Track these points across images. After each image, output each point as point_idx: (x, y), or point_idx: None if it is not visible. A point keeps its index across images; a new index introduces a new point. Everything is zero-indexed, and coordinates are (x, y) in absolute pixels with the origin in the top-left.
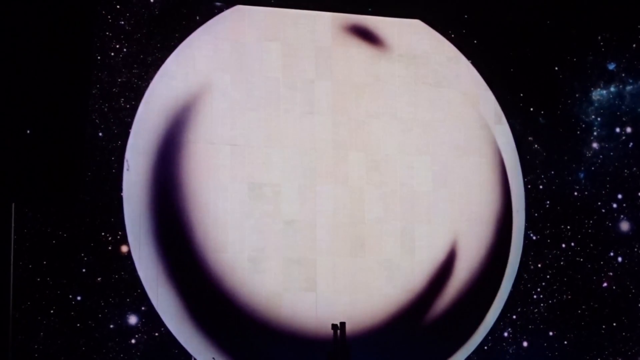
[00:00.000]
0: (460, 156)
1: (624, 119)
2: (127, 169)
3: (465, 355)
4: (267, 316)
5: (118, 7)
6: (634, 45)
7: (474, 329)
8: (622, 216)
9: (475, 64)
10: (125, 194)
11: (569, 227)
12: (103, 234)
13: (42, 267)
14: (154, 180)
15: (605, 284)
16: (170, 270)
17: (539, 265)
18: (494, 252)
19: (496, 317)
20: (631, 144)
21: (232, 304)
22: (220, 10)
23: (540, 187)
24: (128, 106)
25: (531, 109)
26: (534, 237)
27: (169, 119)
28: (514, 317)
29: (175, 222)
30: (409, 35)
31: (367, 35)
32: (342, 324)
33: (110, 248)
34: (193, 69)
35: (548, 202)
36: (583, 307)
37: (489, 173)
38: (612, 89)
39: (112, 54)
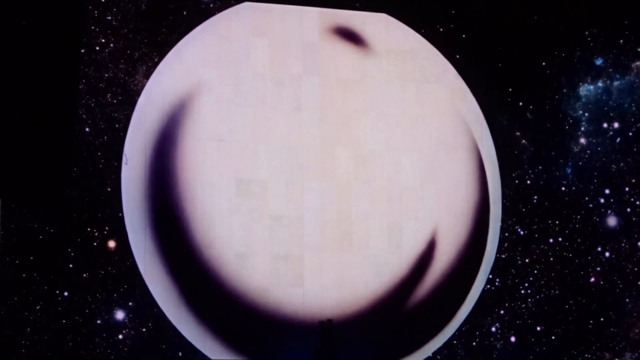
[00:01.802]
0: (447, 152)
1: (611, 114)
2: (126, 163)
3: (444, 341)
4: (256, 309)
5: (105, 2)
6: (621, 41)
7: (452, 315)
8: (609, 211)
9: (463, 59)
10: (124, 186)
11: (556, 222)
12: (90, 229)
13: (29, 262)
14: (150, 174)
15: (592, 279)
16: (166, 260)
17: (527, 261)
18: (472, 241)
19: (474, 303)
20: (618, 139)
21: (224, 293)
22: (208, 6)
23: (528, 182)
24: (115, 101)
25: (520, 104)
26: (522, 232)
27: (162, 115)
28: (502, 312)
29: (170, 216)
30: (395, 31)
31: (352, 37)
32: (329, 321)
33: (97, 244)
34: (180, 65)
35: (536, 197)
36: (571, 302)
37: (474, 168)
38: (599, 84)
39: (99, 49)
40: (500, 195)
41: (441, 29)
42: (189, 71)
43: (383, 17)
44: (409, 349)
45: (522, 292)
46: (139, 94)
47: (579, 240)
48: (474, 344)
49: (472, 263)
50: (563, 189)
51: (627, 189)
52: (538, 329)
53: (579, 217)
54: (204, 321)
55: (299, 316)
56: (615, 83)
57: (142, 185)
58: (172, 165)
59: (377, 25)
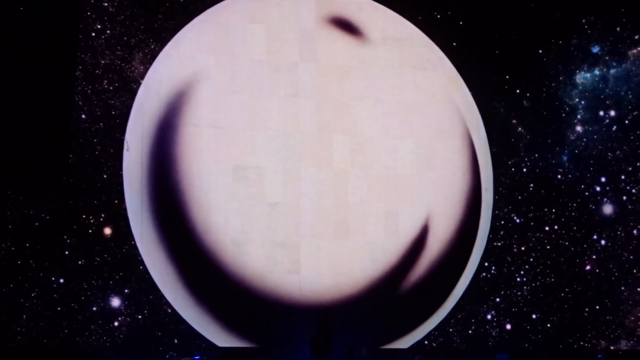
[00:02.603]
0: (443, 139)
1: (607, 102)
2: (127, 149)
3: (438, 322)
4: (253, 294)
5: None
6: (618, 29)
7: (445, 298)
8: (605, 199)
9: (460, 47)
10: (126, 172)
11: (552, 210)
12: (86, 216)
13: (25, 249)
14: (149, 161)
15: (588, 267)
16: (167, 243)
17: (523, 248)
18: (464, 227)
19: (465, 288)
20: (615, 127)
21: (222, 278)
22: None
23: (524, 170)
24: (111, 88)
25: (516, 92)
26: (518, 220)
27: (161, 103)
28: (498, 300)
29: (169, 201)
30: (392, 18)
31: (348, 26)
32: (326, 309)
33: (93, 230)
34: (178, 53)
35: (532, 185)
36: (566, 290)
37: (467, 155)
38: (596, 72)
39: (95, 35)
40: (492, 183)
41: (438, 16)
42: (187, 59)
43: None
44: (402, 331)
45: (518, 279)
46: (135, 81)
47: (574, 228)
48: (470, 331)
49: (464, 248)
50: (559, 176)
51: (623, 177)
52: (534, 316)
53: (574, 205)
54: (203, 304)
55: (295, 302)
56: (612, 71)
57: (141, 171)
58: (170, 152)
59: (374, 13)
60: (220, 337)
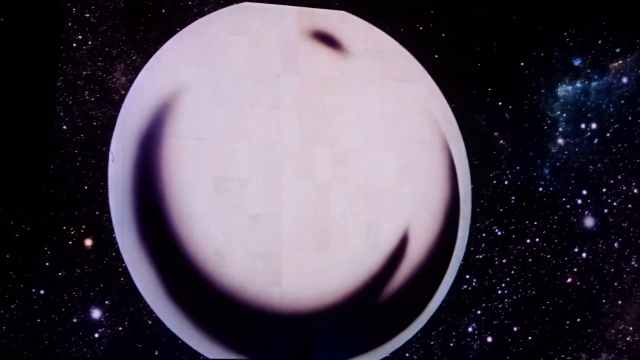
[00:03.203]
0: (425, 151)
1: (589, 115)
2: (112, 160)
3: (415, 332)
4: (235, 305)
5: None
6: (600, 42)
7: (423, 307)
8: (586, 212)
9: (442, 59)
10: (110, 183)
11: (534, 222)
12: (66, 227)
13: (5, 260)
14: (134, 172)
15: (569, 280)
16: (150, 254)
17: (504, 261)
18: (443, 239)
19: (443, 297)
20: (596, 140)
21: (205, 289)
22: (187, 3)
23: (506, 182)
24: (93, 99)
25: (498, 104)
26: (499, 233)
27: (145, 114)
28: (479, 312)
29: (152, 213)
30: (375, 30)
31: (329, 40)
32: (307, 321)
33: (73, 242)
34: (160, 64)
35: (513, 197)
36: (547, 302)
37: (447, 166)
38: (577, 85)
39: (77, 46)
40: (470, 194)
41: (420, 28)
42: (169, 69)
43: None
44: (382, 340)
45: (499, 292)
46: (117, 92)
47: (556, 240)
48: (451, 344)
49: (443, 258)
50: (540, 189)
51: (604, 189)
52: (515, 329)
53: (556, 217)
54: (186, 313)
55: (276, 313)
56: (594, 84)
57: (123, 182)
58: (153, 163)
59: (356, 25)
60: (202, 345)
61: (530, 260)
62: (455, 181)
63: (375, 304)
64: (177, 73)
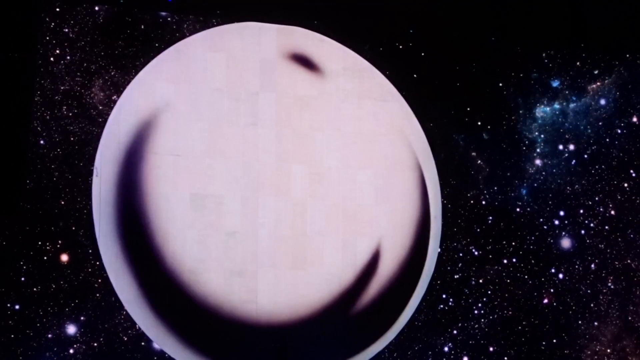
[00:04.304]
0: (401, 170)
1: (567, 136)
2: (97, 175)
3: (386, 343)
4: (211, 322)
5: (61, 14)
6: (578, 63)
7: (394, 320)
8: (563, 233)
9: (420, 78)
10: (95, 197)
11: (511, 243)
12: (42, 242)
13: None
14: (114, 187)
15: (546, 301)
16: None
17: (481, 281)
18: (414, 254)
19: (414, 310)
20: (574, 161)
21: (182, 301)
22: (165, 20)
23: (483, 202)
24: (70, 114)
25: (476, 124)
26: (476, 253)
27: (124, 130)
28: (455, 332)
29: (133, 228)
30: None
31: (306, 62)
32: (283, 344)
33: (49, 257)
34: (136, 80)
35: (490, 217)
36: (524, 323)
37: (420, 185)
38: (556, 106)
39: (55, 61)
40: (441, 212)
41: (400, 47)
42: (148, 87)
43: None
44: (353, 352)
45: (476, 312)
46: (95, 108)
47: (533, 261)
48: None
49: (413, 276)
50: (518, 209)
51: (581, 211)
52: (491, 349)
53: (533, 238)
54: (166, 325)
55: (252, 329)
56: (572, 105)
57: (99, 196)
58: (134, 179)
59: (334, 45)
60: (182, 355)
61: (507, 280)
62: (426, 199)
63: (347, 317)
64: (156, 90)
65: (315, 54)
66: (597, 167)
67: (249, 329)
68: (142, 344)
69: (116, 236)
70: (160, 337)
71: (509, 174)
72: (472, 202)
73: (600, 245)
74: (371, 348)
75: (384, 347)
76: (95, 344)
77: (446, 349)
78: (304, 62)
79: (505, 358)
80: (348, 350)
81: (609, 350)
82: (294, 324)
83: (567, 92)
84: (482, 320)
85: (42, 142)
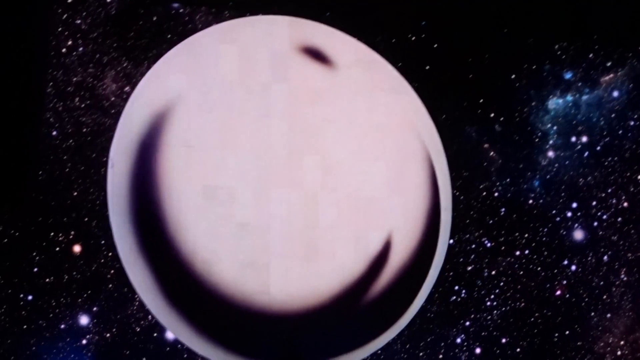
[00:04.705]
0: (413, 162)
1: (579, 128)
2: (112, 167)
3: (397, 332)
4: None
5: (73, 5)
6: (591, 55)
7: (404, 310)
8: (576, 225)
9: (433, 70)
10: (109, 189)
11: (523, 234)
12: (55, 233)
13: None
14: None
15: (558, 292)
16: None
17: (493, 273)
18: (425, 244)
19: (424, 301)
20: (586, 153)
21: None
22: (177, 12)
23: (496, 194)
24: (83, 105)
25: (488, 116)
26: (488, 244)
27: (138, 121)
28: (467, 323)
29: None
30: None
31: (318, 55)
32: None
33: (62, 248)
34: (150, 73)
35: (503, 209)
36: (536, 314)
37: (431, 176)
38: (568, 98)
39: (67, 52)
40: (451, 203)
41: (413, 39)
42: (160, 79)
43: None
44: (364, 341)
45: (488, 303)
46: (107, 99)
47: (545, 253)
48: (440, 355)
49: (423, 266)
50: (530, 201)
51: (594, 203)
52: (503, 340)
53: (545, 230)
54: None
55: (264, 322)
56: (584, 97)
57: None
58: (147, 171)
59: (347, 37)
60: (196, 343)
61: (519, 272)
62: (436, 191)
63: (358, 307)
64: (169, 82)
65: (326, 46)
66: (609, 159)
67: (261, 319)
68: (155, 334)
69: (130, 227)
70: (174, 326)
71: (521, 165)
72: (484, 193)
73: (613, 237)
74: (381, 337)
75: (396, 339)
76: (108, 335)
77: (458, 340)
78: (316, 54)
79: (518, 350)
80: (359, 339)
81: (622, 343)
82: (305, 314)
83: (579, 84)
84: (495, 311)
85: (54, 133)
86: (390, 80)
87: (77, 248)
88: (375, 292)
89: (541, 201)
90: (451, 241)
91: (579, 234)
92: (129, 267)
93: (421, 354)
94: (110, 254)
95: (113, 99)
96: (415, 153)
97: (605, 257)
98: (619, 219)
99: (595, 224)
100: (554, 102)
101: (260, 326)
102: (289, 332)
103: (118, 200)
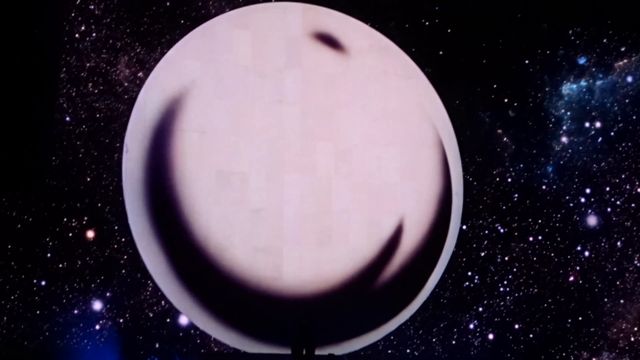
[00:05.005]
0: (426, 147)
1: (593, 113)
2: (127, 152)
3: (411, 314)
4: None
5: None
6: (605, 41)
7: (416, 293)
8: (589, 211)
9: (447, 55)
10: (125, 172)
11: (537, 220)
12: (68, 219)
13: (7, 251)
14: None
15: (571, 278)
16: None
17: (506, 259)
18: (436, 228)
19: (436, 283)
20: (600, 139)
21: (210, 274)
22: None
23: (509, 179)
24: (96, 91)
25: (502, 101)
26: (502, 230)
27: (152, 107)
28: (480, 309)
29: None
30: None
31: (333, 42)
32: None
33: (75, 233)
34: (164, 59)
35: (516, 195)
36: (549, 300)
37: (443, 161)
38: (582, 83)
39: (81, 38)
40: (462, 188)
41: (426, 24)
42: (174, 65)
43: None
44: (377, 324)
45: (501, 289)
46: (120, 84)
47: (558, 239)
48: (453, 341)
49: (435, 250)
50: (544, 187)
51: (607, 188)
52: (516, 326)
53: (559, 215)
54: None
55: (277, 306)
56: (598, 82)
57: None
58: (159, 157)
59: (359, 22)
60: (210, 326)
61: (532, 258)
62: (448, 176)
63: (370, 290)
64: (182, 68)
65: (339, 33)
66: (623, 144)
67: (274, 303)
68: (168, 320)
69: (145, 211)
70: (188, 310)
71: (534, 151)
72: (497, 179)
73: (626, 223)
74: (393, 321)
75: (410, 325)
76: (121, 320)
77: (471, 326)
78: (329, 40)
79: (531, 335)
80: (370, 323)
81: (635, 329)
82: (318, 299)
83: (593, 69)
84: (508, 297)
85: (67, 119)
86: (403, 66)
87: (90, 234)
88: (387, 276)
89: (554, 187)
90: (464, 227)
91: (592, 220)
92: (143, 250)
93: (434, 339)
94: (123, 239)
95: (126, 84)
96: (428, 138)
97: (619, 243)
98: (633, 205)
99: (609, 209)
100: (568, 88)
101: (273, 310)
102: (301, 316)
103: (132, 185)
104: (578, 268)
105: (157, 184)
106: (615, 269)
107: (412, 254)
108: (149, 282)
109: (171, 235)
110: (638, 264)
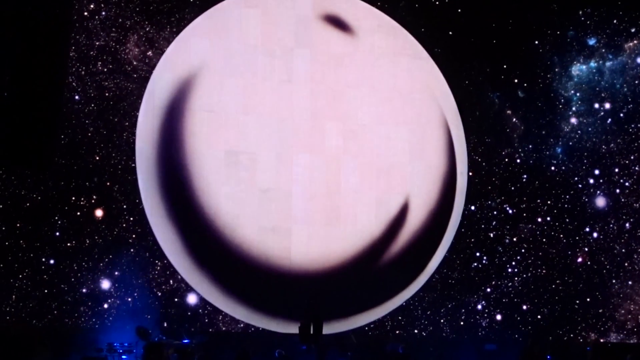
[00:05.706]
0: (433, 127)
1: (603, 94)
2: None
3: (415, 291)
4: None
5: None
6: (615, 21)
7: (420, 271)
8: (598, 192)
9: (456, 36)
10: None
11: (545, 201)
12: (77, 198)
13: (16, 229)
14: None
15: (579, 260)
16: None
17: (514, 239)
18: (441, 207)
19: (439, 261)
20: (609, 120)
21: (220, 250)
22: None
23: (518, 160)
24: (105, 70)
25: (512, 82)
26: (510, 211)
27: (164, 87)
28: (488, 290)
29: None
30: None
31: (342, 24)
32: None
33: (84, 212)
34: (175, 37)
35: (525, 176)
36: (557, 282)
37: (448, 141)
38: (592, 64)
39: (90, 16)
40: (467, 168)
41: (437, 3)
42: (184, 44)
43: None
44: (382, 299)
45: (509, 270)
46: (129, 63)
47: (567, 220)
48: (461, 322)
49: (440, 227)
50: (553, 168)
51: (616, 169)
52: (524, 307)
53: (567, 197)
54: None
55: (286, 285)
56: (608, 63)
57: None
58: (169, 135)
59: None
60: (219, 300)
61: (541, 239)
62: (453, 156)
63: (377, 266)
64: (192, 47)
65: (348, 14)
66: (632, 125)
67: (283, 280)
68: (176, 299)
69: (157, 189)
70: (200, 286)
71: (544, 132)
72: (506, 160)
73: (635, 205)
74: (398, 297)
75: (417, 305)
76: (130, 299)
77: (479, 307)
78: (338, 22)
79: (539, 316)
80: (376, 299)
81: None
82: (325, 276)
83: (603, 50)
84: (516, 278)
85: (77, 97)
86: (411, 46)
87: (99, 212)
88: (393, 253)
89: (563, 168)
90: (472, 207)
91: (601, 201)
92: (155, 226)
93: (442, 320)
94: (132, 218)
95: (135, 63)
96: (435, 119)
97: (627, 224)
98: None
99: (618, 190)
100: (577, 68)
101: (281, 287)
102: (309, 292)
103: (144, 163)
104: (586, 249)
105: (168, 163)
106: (623, 250)
107: (417, 231)
108: (157, 261)
109: (182, 213)
110: None
